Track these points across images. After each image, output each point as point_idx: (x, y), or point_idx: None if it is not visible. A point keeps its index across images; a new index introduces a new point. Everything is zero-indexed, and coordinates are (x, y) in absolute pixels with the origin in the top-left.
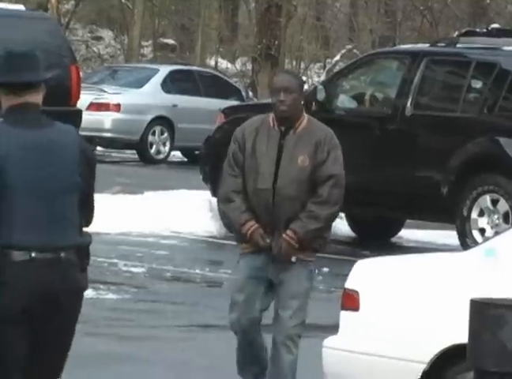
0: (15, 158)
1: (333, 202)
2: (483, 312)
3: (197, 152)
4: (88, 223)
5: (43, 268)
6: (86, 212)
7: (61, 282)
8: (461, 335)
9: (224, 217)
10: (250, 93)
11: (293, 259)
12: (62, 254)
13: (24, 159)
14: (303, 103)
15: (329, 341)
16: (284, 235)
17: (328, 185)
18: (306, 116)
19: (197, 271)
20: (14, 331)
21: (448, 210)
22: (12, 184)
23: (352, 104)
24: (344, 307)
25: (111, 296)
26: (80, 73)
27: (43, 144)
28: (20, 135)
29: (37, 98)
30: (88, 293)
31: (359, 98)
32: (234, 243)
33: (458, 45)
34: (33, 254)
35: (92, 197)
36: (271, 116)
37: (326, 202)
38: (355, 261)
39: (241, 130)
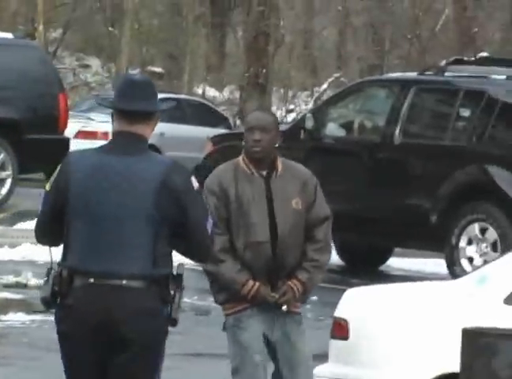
0: (88, 184)
1: (330, 246)
2: (475, 340)
3: None
4: (194, 256)
5: (101, 294)
6: (188, 244)
7: (119, 309)
8: (452, 363)
9: (212, 278)
10: (238, 121)
11: (284, 308)
12: (124, 282)
13: (97, 185)
14: (277, 144)
15: (319, 370)
16: (290, 284)
17: (324, 228)
18: (279, 158)
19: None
20: (81, 355)
21: (437, 238)
22: (81, 208)
23: (341, 132)
24: (334, 336)
25: None
26: (68, 102)
27: (119, 173)
28: (102, 162)
29: (144, 128)
30: None
31: (347, 126)
32: None
33: (446, 73)
34: (91, 280)
35: (195, 230)
36: (241, 160)
37: (326, 248)
38: (344, 290)
39: (216, 181)
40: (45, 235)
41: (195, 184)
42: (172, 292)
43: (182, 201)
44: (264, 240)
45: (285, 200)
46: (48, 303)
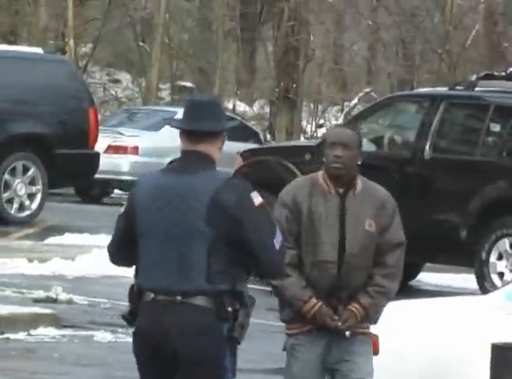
0: (148, 203)
1: (400, 273)
2: (504, 356)
3: None
4: (263, 274)
5: (159, 310)
6: (255, 262)
7: (173, 326)
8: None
9: (276, 292)
10: (268, 136)
11: (347, 334)
12: (179, 298)
13: (155, 204)
14: (359, 162)
15: None
16: (352, 308)
17: (396, 254)
18: (360, 177)
19: None
20: (147, 369)
21: (467, 253)
22: (144, 228)
23: (371, 147)
24: None
25: (129, 339)
26: (98, 116)
27: (175, 191)
28: (162, 181)
29: (208, 147)
30: (106, 336)
31: (377, 141)
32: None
33: (477, 88)
34: (152, 296)
35: (257, 247)
36: (320, 176)
37: (395, 274)
38: None
39: (290, 194)
40: (120, 258)
41: (257, 200)
42: (231, 309)
43: (235, 218)
44: (331, 259)
45: (358, 220)
46: (127, 320)
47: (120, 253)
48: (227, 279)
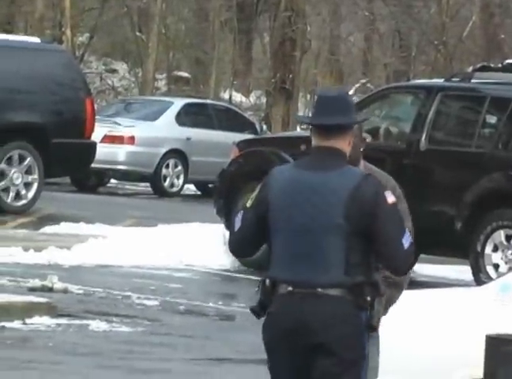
0: (285, 197)
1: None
2: (498, 347)
3: (210, 186)
4: (390, 268)
5: (298, 302)
6: (382, 257)
7: (314, 316)
8: (476, 370)
9: None
10: (264, 127)
11: None
12: (319, 290)
13: (293, 199)
14: (362, 149)
15: None
16: None
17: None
18: (362, 162)
19: (211, 304)
20: (281, 359)
21: (462, 245)
22: (280, 222)
23: (367, 138)
24: None
25: (124, 329)
26: (95, 106)
27: (314, 186)
28: (298, 176)
29: (340, 142)
30: (101, 325)
31: (373, 132)
32: (247, 277)
33: (473, 80)
34: (290, 288)
35: (387, 244)
36: None
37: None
38: None
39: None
40: (248, 249)
41: (390, 198)
42: (369, 299)
43: (372, 214)
44: None
45: None
46: (256, 313)
47: (252, 245)
48: (364, 270)
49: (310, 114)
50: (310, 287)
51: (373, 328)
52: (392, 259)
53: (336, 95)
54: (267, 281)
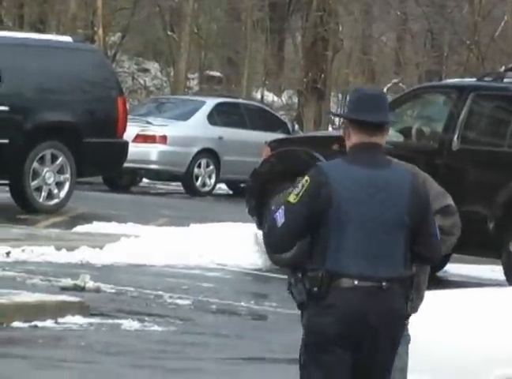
0: (350, 193)
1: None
2: None
3: (242, 185)
4: (427, 259)
5: (364, 295)
6: (424, 248)
7: (380, 309)
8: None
9: None
10: (296, 126)
11: None
12: (384, 284)
13: (358, 195)
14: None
15: None
16: None
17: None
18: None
19: (243, 303)
20: (334, 352)
21: (494, 245)
22: (345, 217)
23: (399, 138)
24: None
25: (156, 328)
26: (127, 105)
27: (377, 183)
28: (357, 172)
29: (381, 139)
30: (134, 325)
31: (405, 132)
32: (279, 276)
33: (505, 80)
34: (356, 282)
35: (431, 236)
36: None
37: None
38: None
39: None
40: (291, 244)
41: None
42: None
43: (425, 209)
44: None
45: None
46: (304, 305)
47: (295, 240)
48: (410, 265)
49: (345, 112)
50: (376, 281)
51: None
52: (435, 250)
53: (380, 93)
54: (322, 274)
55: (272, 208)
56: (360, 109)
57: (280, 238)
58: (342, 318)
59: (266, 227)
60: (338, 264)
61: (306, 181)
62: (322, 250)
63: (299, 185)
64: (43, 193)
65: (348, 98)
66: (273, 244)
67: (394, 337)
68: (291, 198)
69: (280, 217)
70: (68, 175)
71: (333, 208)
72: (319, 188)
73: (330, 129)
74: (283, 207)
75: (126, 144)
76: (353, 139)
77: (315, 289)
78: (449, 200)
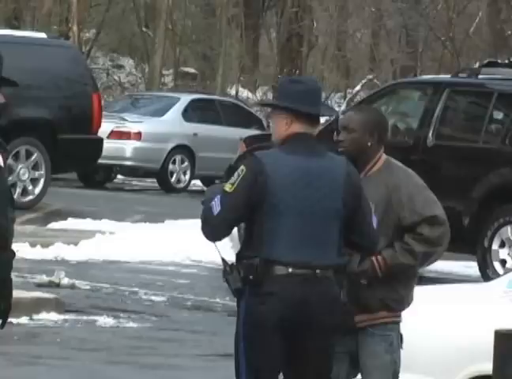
0: (285, 182)
1: (438, 248)
2: (508, 343)
3: (217, 181)
4: (365, 248)
5: (300, 283)
6: (360, 236)
7: (314, 296)
8: (485, 365)
9: None
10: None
11: (363, 281)
12: (318, 272)
13: (294, 183)
14: (369, 143)
15: None
16: (372, 258)
17: (434, 227)
18: (384, 158)
19: (218, 300)
20: (271, 339)
21: (469, 241)
22: (281, 206)
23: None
24: None
25: (131, 324)
26: (102, 102)
27: (312, 171)
28: (293, 161)
29: (316, 130)
30: (109, 321)
31: None
32: None
33: (480, 76)
34: (290, 270)
35: (364, 223)
36: None
37: (427, 241)
38: None
39: None
40: (226, 232)
41: None
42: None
43: (359, 198)
44: None
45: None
46: (240, 292)
47: (230, 229)
48: (343, 253)
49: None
50: (310, 269)
51: (344, 307)
52: (369, 237)
53: (319, 88)
54: (257, 261)
55: (208, 196)
56: (309, 101)
57: (216, 227)
58: (281, 305)
59: (202, 215)
60: (273, 251)
61: (242, 170)
62: (258, 238)
63: (235, 175)
64: (18, 190)
65: (282, 88)
66: (209, 232)
67: (331, 323)
68: (227, 187)
69: (215, 206)
70: (43, 171)
71: (269, 197)
72: (255, 177)
73: None
74: (219, 196)
75: (100, 141)
76: (293, 128)
77: (251, 276)
78: (438, 210)
